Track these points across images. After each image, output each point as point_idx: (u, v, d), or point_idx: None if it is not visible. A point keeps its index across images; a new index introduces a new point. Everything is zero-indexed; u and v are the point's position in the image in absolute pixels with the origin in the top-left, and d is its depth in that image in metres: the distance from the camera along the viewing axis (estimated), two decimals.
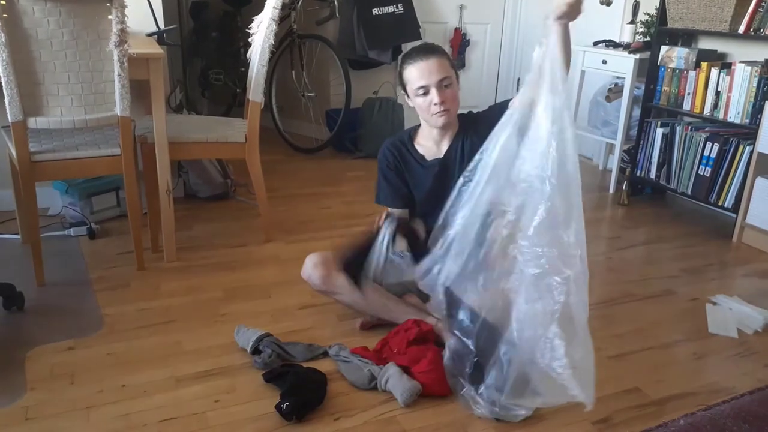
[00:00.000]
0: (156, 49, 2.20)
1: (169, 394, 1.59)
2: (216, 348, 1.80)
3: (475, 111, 1.91)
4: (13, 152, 2.05)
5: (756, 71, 2.65)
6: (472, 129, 1.84)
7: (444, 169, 1.85)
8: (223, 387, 1.63)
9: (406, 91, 1.82)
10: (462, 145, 1.83)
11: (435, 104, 1.73)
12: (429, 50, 1.77)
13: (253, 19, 2.41)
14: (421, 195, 1.88)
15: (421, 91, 1.74)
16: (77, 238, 2.50)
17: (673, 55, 2.98)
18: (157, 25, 2.59)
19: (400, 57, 1.86)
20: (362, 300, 1.85)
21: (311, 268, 1.84)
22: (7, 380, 1.63)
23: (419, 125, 1.91)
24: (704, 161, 2.88)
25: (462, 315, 1.53)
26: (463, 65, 4.39)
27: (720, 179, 2.82)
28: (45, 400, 1.55)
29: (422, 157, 1.87)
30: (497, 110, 1.79)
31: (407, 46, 3.98)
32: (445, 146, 1.86)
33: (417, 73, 1.73)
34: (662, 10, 3.02)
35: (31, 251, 2.09)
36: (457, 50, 4.32)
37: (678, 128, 3.00)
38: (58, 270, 2.21)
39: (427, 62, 1.73)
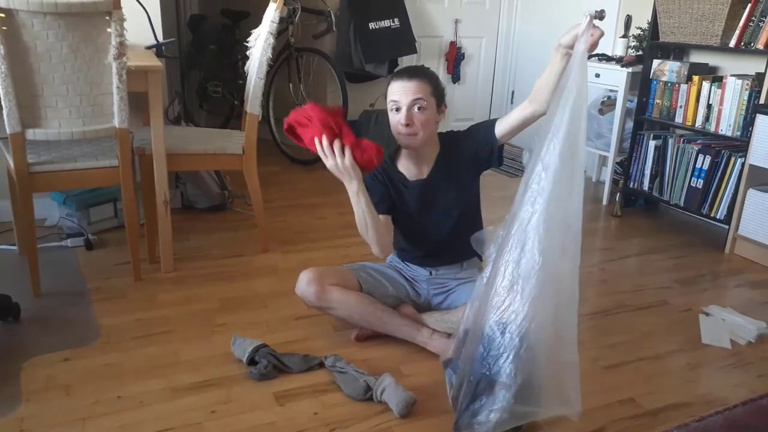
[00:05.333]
0: (154, 62, 2.22)
1: (165, 405, 1.59)
2: (212, 358, 1.80)
3: (467, 124, 1.90)
4: (11, 163, 2.06)
5: (747, 84, 2.69)
6: (453, 149, 1.84)
7: (428, 192, 1.85)
8: (219, 398, 1.63)
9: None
10: (445, 167, 1.83)
11: (401, 124, 1.73)
12: (415, 72, 1.76)
13: (251, 33, 2.45)
14: (404, 214, 1.87)
15: (393, 106, 1.75)
16: (74, 249, 2.50)
17: (665, 69, 3.03)
18: (156, 38, 2.61)
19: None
20: (357, 314, 1.86)
21: (305, 284, 1.84)
22: (2, 391, 1.62)
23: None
24: (696, 173, 2.91)
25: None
26: (458, 79, 4.43)
27: (712, 191, 2.85)
28: (40, 411, 1.55)
29: (404, 177, 1.86)
30: (479, 131, 1.81)
31: (403, 60, 4.04)
32: (427, 168, 1.85)
33: (394, 89, 1.74)
34: (654, 24, 3.07)
35: (28, 262, 2.10)
36: (452, 64, 4.37)
37: (670, 140, 3.04)
38: (54, 280, 2.21)
39: (407, 82, 1.72)
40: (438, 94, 1.77)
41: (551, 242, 1.35)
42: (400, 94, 1.73)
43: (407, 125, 1.72)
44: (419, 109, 1.73)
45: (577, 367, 1.41)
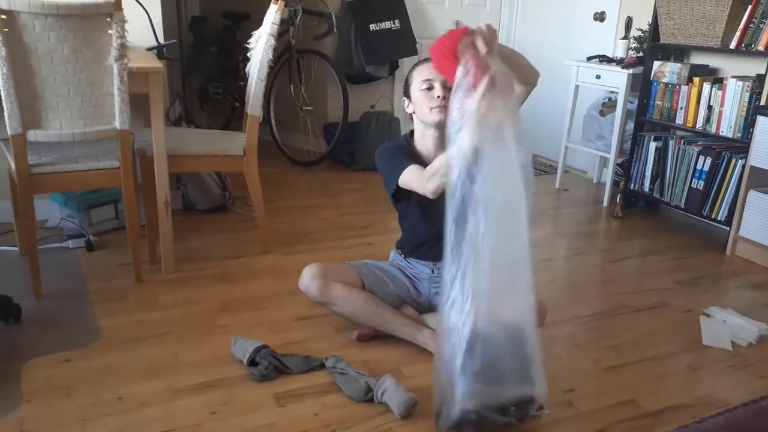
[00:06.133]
0: (155, 64, 2.22)
1: (165, 406, 1.59)
2: (213, 360, 1.80)
3: None
4: (12, 165, 2.06)
5: (747, 86, 2.69)
6: None
7: None
8: (219, 399, 1.63)
9: (409, 93, 1.86)
10: None
11: (437, 97, 1.79)
12: None
13: (251, 34, 2.45)
14: (420, 197, 1.85)
15: (425, 85, 1.80)
16: (75, 250, 2.50)
17: (666, 70, 3.03)
18: (157, 40, 2.62)
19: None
20: (359, 311, 1.86)
21: (309, 279, 1.85)
22: (2, 392, 1.63)
23: (412, 133, 1.93)
24: (697, 174, 2.91)
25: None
26: None
27: (713, 192, 2.85)
28: (41, 412, 1.55)
29: (423, 158, 1.88)
30: None
31: (404, 62, 4.05)
32: (439, 154, 1.85)
33: (426, 70, 1.81)
34: (655, 26, 3.07)
35: (29, 263, 2.10)
36: None
37: (671, 142, 3.04)
38: (55, 282, 2.21)
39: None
40: None
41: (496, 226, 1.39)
42: (433, 74, 1.80)
43: (443, 98, 1.78)
44: (449, 88, 1.77)
45: (537, 350, 1.46)
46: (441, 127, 1.84)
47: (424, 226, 1.89)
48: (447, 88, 1.79)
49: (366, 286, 1.89)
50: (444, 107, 1.79)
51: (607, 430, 1.58)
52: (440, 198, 1.84)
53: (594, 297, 2.36)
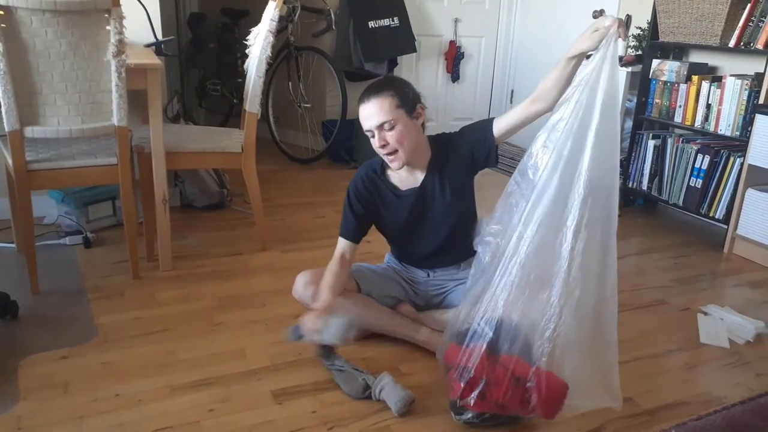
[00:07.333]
0: (154, 60, 2.21)
1: (163, 404, 1.59)
2: (210, 357, 1.80)
3: (466, 123, 1.87)
4: (9, 161, 2.06)
5: (746, 84, 2.69)
6: (449, 152, 1.79)
7: (421, 199, 1.80)
8: (217, 396, 1.63)
9: None
10: (439, 172, 1.79)
11: (377, 147, 1.72)
12: (373, 91, 1.70)
13: (250, 31, 2.44)
14: (396, 224, 1.85)
15: (369, 134, 1.73)
16: (73, 247, 2.50)
17: (665, 69, 3.03)
18: (155, 36, 2.61)
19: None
20: (356, 316, 1.83)
21: (302, 287, 1.83)
22: None
23: None
24: (695, 173, 2.91)
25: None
26: (457, 78, 4.44)
27: (711, 191, 2.85)
28: (37, 409, 1.55)
29: (395, 186, 1.82)
30: (475, 131, 1.77)
31: (403, 59, 4.05)
32: (420, 175, 1.80)
33: (361, 116, 1.72)
34: (654, 24, 3.07)
35: (26, 260, 2.09)
36: (451, 63, 4.37)
37: (669, 140, 3.04)
38: (52, 279, 2.21)
39: (367, 105, 1.69)
40: (405, 103, 1.69)
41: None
42: (365, 120, 1.71)
43: (382, 146, 1.71)
44: (388, 128, 1.69)
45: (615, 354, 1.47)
46: (410, 164, 1.78)
47: (417, 246, 1.88)
48: (385, 131, 1.68)
49: (362, 290, 1.88)
50: (392, 152, 1.71)
51: (605, 428, 1.58)
52: (430, 220, 1.83)
53: None
